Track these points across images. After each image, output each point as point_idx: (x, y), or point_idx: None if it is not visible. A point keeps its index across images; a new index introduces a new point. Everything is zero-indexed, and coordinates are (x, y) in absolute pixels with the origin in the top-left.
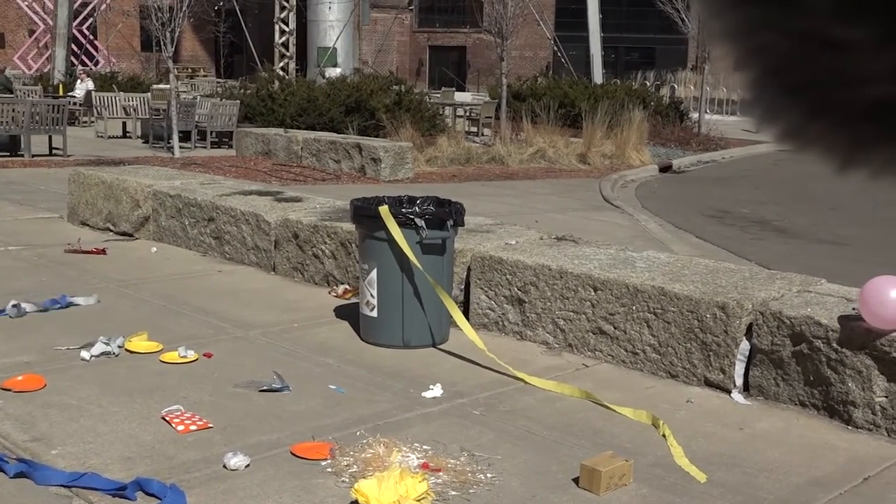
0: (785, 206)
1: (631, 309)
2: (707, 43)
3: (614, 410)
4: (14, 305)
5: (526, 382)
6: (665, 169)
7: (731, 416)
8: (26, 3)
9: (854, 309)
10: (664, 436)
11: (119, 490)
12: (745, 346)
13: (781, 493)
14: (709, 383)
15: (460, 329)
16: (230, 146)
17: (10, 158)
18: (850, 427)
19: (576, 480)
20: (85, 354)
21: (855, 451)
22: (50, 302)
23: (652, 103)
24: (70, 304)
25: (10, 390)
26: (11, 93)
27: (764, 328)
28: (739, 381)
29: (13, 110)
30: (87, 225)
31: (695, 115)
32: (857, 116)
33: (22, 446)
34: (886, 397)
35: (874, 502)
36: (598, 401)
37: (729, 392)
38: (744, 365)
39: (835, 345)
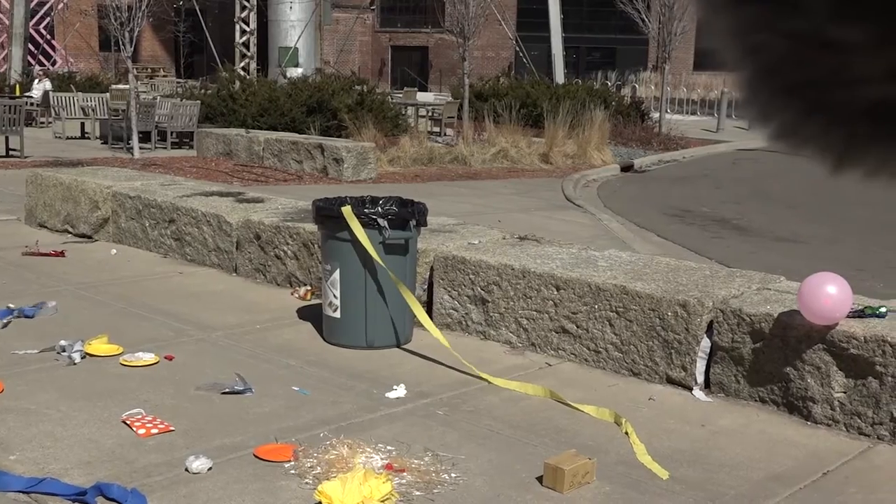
0: (744, 204)
1: (593, 308)
2: (666, 45)
3: (577, 409)
4: None
5: (489, 382)
6: (627, 168)
7: (693, 413)
8: None
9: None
10: (627, 433)
11: (79, 495)
12: (705, 343)
13: (742, 489)
14: (670, 381)
15: (424, 329)
16: (191, 147)
17: None
18: (809, 423)
19: (539, 479)
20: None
21: (814, 447)
22: (4, 312)
23: (613, 103)
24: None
25: None
26: None
27: (724, 326)
28: (700, 378)
29: None
30: (46, 227)
31: (655, 115)
32: (853, 116)
33: None
34: (845, 393)
35: (833, 496)
36: (561, 399)
37: (690, 389)
38: (705, 362)
39: (794, 341)
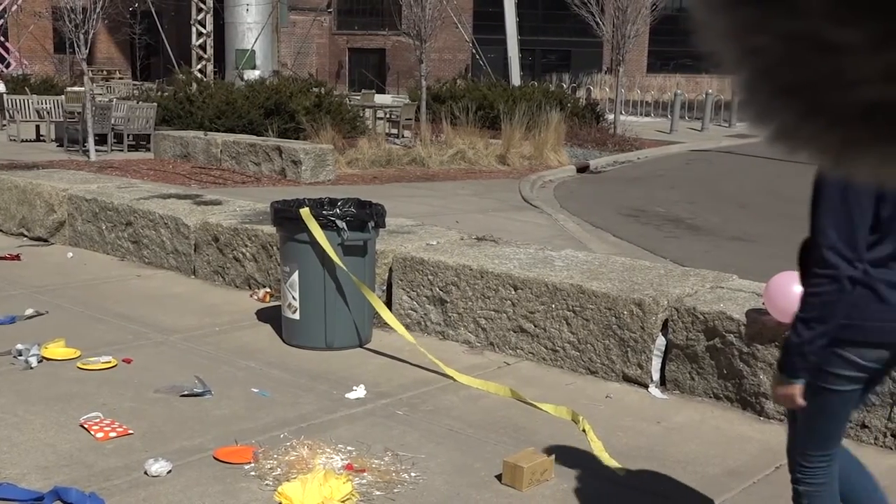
0: (697, 204)
1: (550, 307)
2: (620, 48)
3: (536, 407)
4: None
5: (454, 380)
6: (582, 169)
7: (649, 410)
8: None
9: (763, 304)
10: (584, 431)
11: (36, 500)
12: (661, 341)
13: (698, 485)
14: (627, 378)
15: (383, 330)
16: (148, 149)
17: None
18: (762, 418)
19: (499, 477)
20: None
21: (767, 441)
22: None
23: (569, 105)
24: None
25: None
26: None
27: (679, 324)
28: (656, 375)
29: None
30: (1, 231)
31: (610, 117)
32: (850, 118)
33: None
34: None
35: (785, 490)
36: (522, 398)
37: (646, 387)
38: (660, 360)
39: (746, 338)
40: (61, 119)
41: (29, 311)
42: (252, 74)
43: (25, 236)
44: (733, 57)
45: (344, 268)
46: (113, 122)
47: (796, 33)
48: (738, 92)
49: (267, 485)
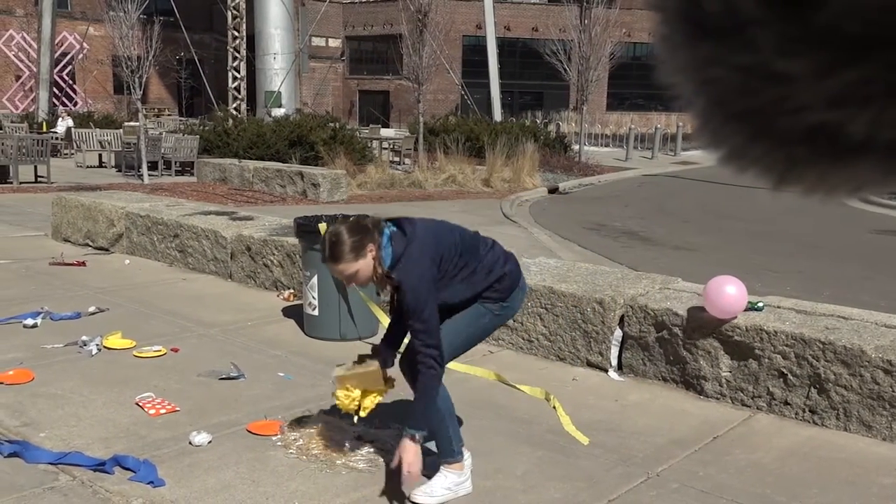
0: (648, 219)
1: (527, 305)
2: (584, 89)
3: (515, 388)
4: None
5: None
6: (553, 191)
7: (608, 390)
8: (13, 53)
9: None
10: (554, 408)
11: (99, 465)
12: (618, 333)
13: (649, 452)
14: (590, 364)
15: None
16: (192, 174)
17: (0, 186)
18: (702, 397)
19: (479, 443)
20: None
21: (706, 416)
22: (35, 313)
23: (541, 137)
24: (80, 314)
25: (2, 383)
26: (1, 129)
27: (633, 318)
28: (614, 361)
29: (3, 144)
30: (69, 241)
31: (576, 147)
32: (793, 140)
33: (14, 431)
34: (730, 372)
35: (721, 456)
36: (503, 380)
37: (606, 371)
38: (617, 349)
39: (689, 331)
40: (120, 149)
41: (92, 308)
42: (278, 112)
43: (90, 246)
44: (691, 88)
45: None
46: (163, 151)
47: (748, 66)
48: (694, 119)
49: (291, 453)
